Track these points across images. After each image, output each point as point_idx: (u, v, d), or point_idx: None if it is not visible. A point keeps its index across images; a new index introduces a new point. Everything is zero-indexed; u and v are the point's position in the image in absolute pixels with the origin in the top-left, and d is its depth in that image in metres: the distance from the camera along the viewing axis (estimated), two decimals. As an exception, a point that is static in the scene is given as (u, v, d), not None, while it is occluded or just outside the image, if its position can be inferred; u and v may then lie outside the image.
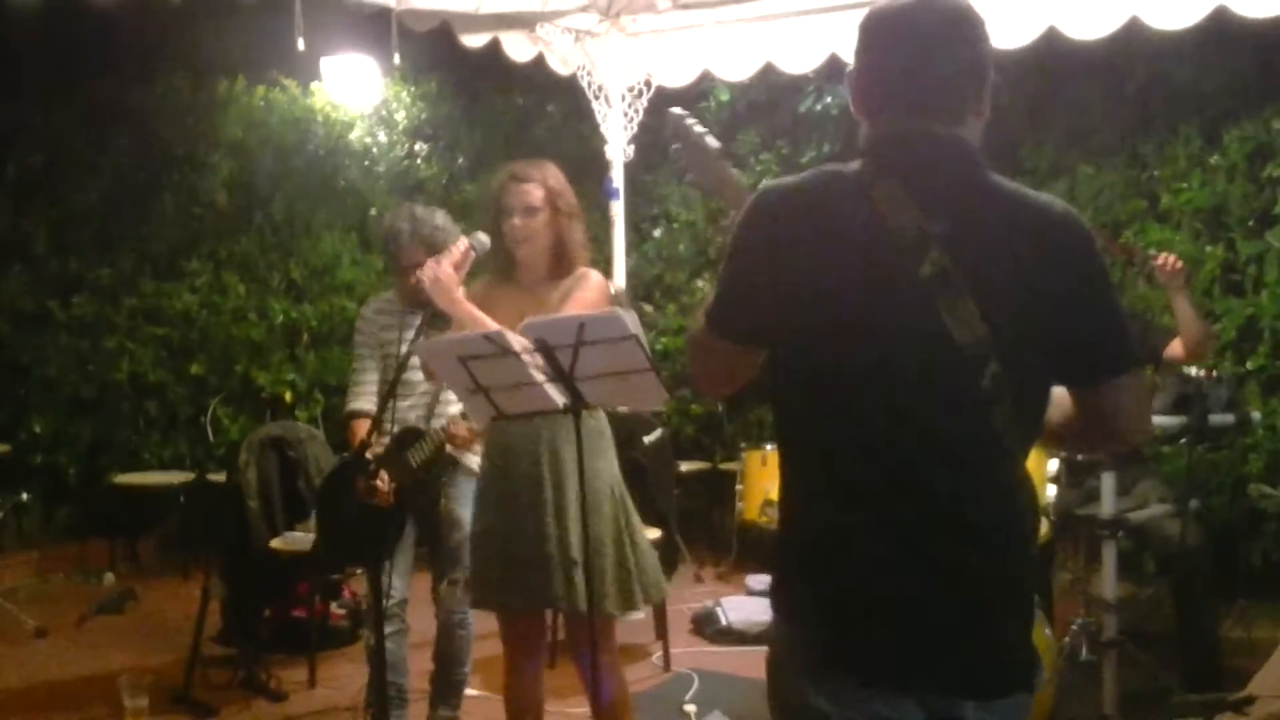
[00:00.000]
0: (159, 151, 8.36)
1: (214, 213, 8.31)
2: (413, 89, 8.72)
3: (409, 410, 4.40)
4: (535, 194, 3.66)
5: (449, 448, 4.23)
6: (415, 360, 3.95)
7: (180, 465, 7.99)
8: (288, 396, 7.93)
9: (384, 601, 3.84)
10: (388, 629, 4.29)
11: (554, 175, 3.73)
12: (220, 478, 7.26)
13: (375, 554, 4.19)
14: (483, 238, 3.62)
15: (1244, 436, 5.70)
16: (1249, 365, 5.93)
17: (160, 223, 8.31)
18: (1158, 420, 4.61)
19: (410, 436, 4.23)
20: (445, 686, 4.62)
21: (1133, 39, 5.39)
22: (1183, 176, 6.26)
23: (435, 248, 4.42)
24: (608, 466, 3.68)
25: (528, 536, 3.59)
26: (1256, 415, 4.85)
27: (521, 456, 3.62)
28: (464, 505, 4.32)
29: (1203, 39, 5.74)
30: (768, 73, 6.35)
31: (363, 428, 4.29)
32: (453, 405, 4.35)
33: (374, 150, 8.66)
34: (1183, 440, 4.83)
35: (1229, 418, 4.53)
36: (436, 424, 4.29)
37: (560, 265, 3.70)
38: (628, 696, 3.85)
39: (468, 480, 4.22)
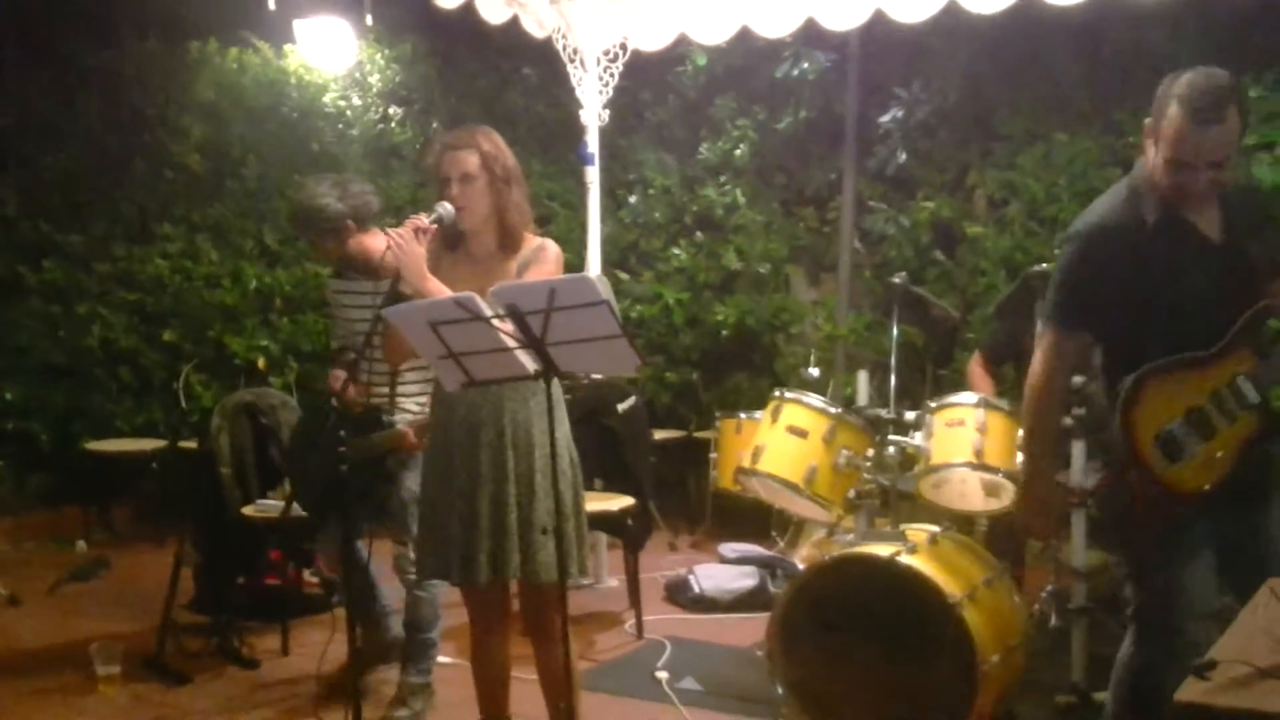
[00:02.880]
0: (130, 114, 8.29)
1: (186, 177, 8.26)
2: (387, 52, 8.65)
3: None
4: (470, 160, 3.60)
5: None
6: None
7: (153, 432, 7.96)
8: (261, 363, 7.89)
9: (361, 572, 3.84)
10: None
11: (488, 139, 3.66)
12: (193, 445, 7.23)
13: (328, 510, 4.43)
14: (449, 207, 3.58)
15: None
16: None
17: (132, 187, 8.27)
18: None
19: (373, 423, 4.34)
20: (414, 650, 4.64)
21: (1110, 5, 5.37)
22: (1158, 144, 6.26)
23: (362, 216, 4.49)
24: (565, 434, 3.66)
25: (489, 509, 3.57)
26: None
27: (485, 429, 3.60)
28: (407, 468, 4.45)
29: (1180, 6, 5.73)
30: (744, 37, 6.31)
31: (338, 381, 4.49)
32: (411, 400, 4.50)
33: (348, 114, 8.59)
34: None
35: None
36: (400, 418, 4.40)
37: (507, 234, 3.65)
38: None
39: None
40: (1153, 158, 3.13)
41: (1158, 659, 3.18)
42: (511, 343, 3.16)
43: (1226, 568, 3.20)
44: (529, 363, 3.21)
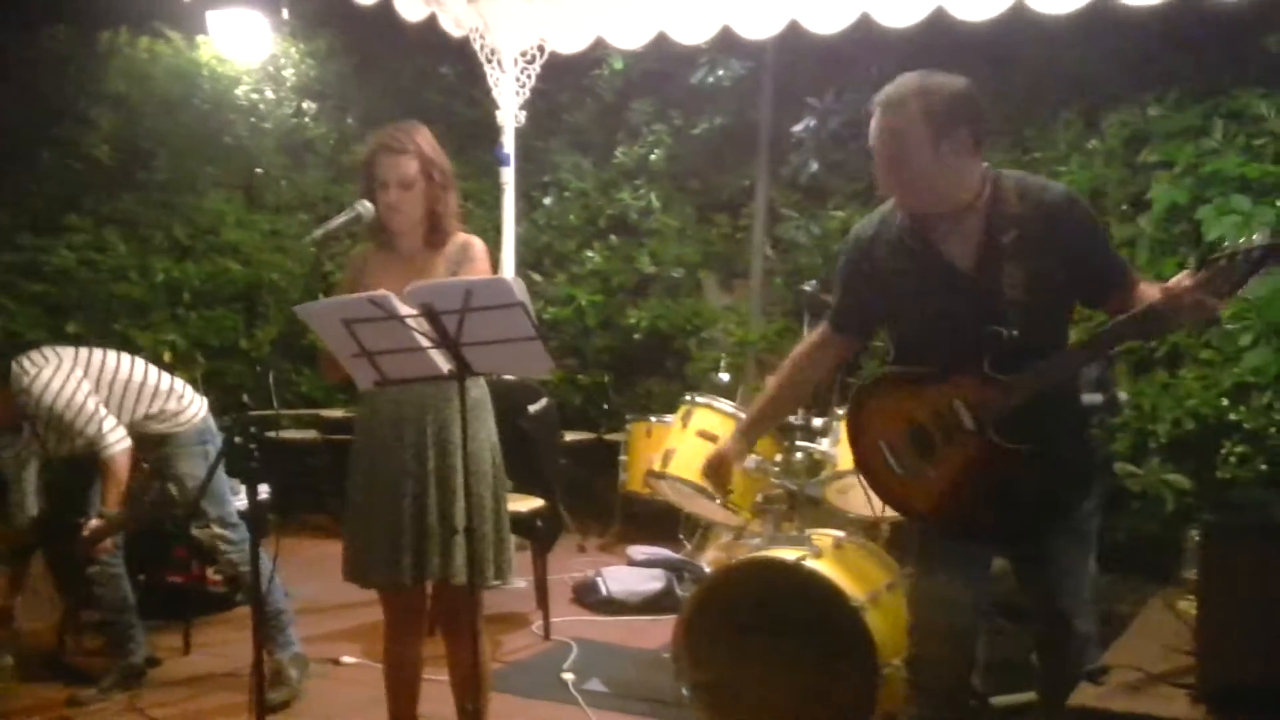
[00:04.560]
0: (39, 104, 8.14)
1: (95, 168, 8.13)
2: (302, 46, 8.58)
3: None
4: (410, 166, 3.56)
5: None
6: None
7: (55, 425, 7.79)
8: (167, 356, 7.78)
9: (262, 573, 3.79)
10: (94, 569, 4.77)
11: (427, 142, 3.63)
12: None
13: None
14: (369, 205, 3.57)
15: (1112, 416, 5.84)
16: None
17: (40, 177, 8.12)
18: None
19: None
20: (268, 628, 4.63)
21: (1022, 23, 5.48)
22: (1062, 160, 6.40)
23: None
24: (489, 436, 3.68)
25: (411, 509, 3.57)
26: (1124, 395, 4.96)
27: (408, 427, 3.59)
28: (186, 461, 4.80)
29: (1088, 25, 5.86)
30: (662, 42, 6.35)
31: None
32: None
33: (261, 107, 8.51)
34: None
35: (1097, 397, 4.62)
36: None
37: (435, 232, 3.65)
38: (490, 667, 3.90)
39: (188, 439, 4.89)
40: None
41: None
42: (426, 342, 3.16)
43: (1023, 594, 3.36)
44: (443, 362, 3.21)
